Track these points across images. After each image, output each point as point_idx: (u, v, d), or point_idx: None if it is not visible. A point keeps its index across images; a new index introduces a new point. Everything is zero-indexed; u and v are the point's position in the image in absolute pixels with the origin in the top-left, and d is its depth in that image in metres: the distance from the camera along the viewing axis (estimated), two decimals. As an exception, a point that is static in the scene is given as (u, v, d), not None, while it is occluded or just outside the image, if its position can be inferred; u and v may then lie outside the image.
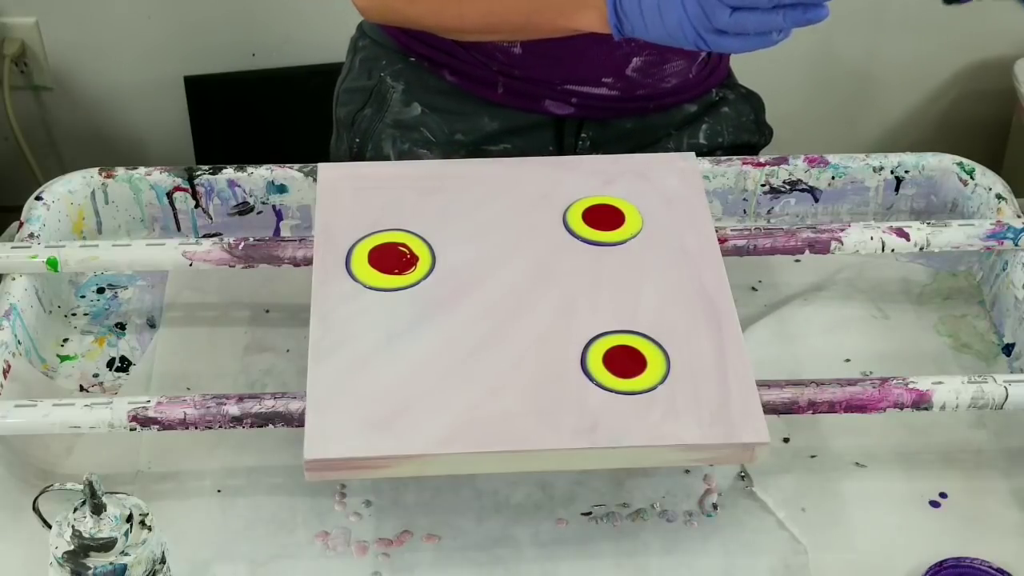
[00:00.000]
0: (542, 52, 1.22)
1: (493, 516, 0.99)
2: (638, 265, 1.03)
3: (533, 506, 1.00)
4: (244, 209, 1.18)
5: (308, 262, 1.07)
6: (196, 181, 1.17)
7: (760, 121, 1.37)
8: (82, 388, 1.08)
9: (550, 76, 1.25)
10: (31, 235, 1.11)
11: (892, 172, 1.20)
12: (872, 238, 1.10)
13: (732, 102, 1.34)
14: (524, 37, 1.19)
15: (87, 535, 0.81)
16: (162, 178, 1.17)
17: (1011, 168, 2.10)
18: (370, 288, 1.00)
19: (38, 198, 1.15)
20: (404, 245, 1.04)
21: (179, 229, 1.19)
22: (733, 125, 1.33)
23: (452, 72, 1.27)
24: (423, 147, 1.28)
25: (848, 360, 1.11)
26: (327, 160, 1.34)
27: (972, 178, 1.19)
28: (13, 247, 1.08)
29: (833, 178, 1.20)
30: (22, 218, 1.13)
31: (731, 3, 0.95)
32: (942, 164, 1.20)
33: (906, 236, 1.10)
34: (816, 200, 1.21)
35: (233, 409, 0.96)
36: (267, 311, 1.14)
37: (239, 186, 1.17)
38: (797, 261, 1.19)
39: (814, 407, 0.98)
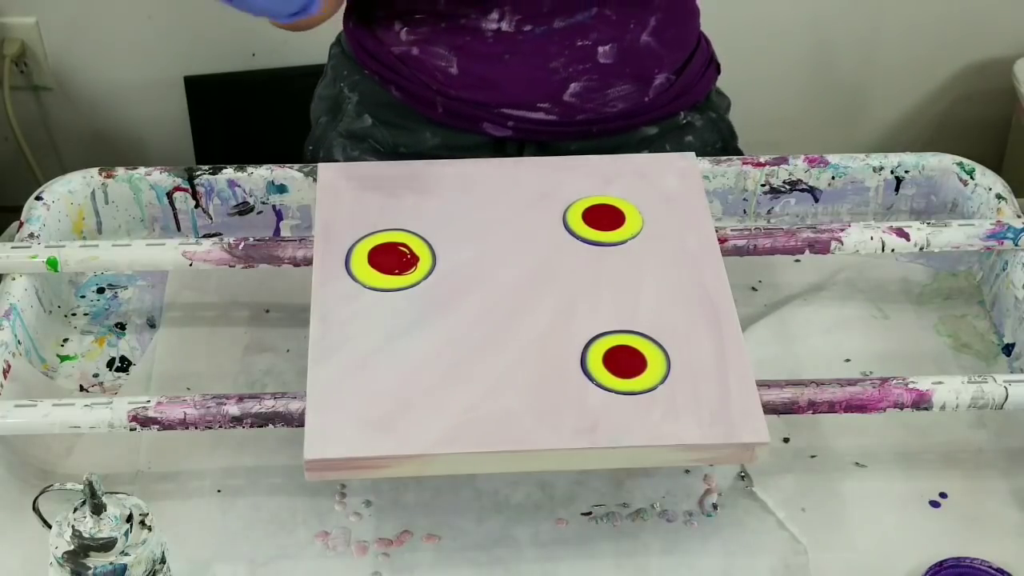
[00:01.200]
0: (476, 74, 1.23)
1: (493, 516, 0.99)
2: (638, 265, 1.03)
3: (533, 506, 1.00)
4: (244, 209, 1.18)
5: (308, 262, 1.07)
6: (196, 181, 1.17)
7: (729, 149, 1.35)
8: (82, 388, 1.08)
9: (485, 99, 1.25)
10: (31, 235, 1.11)
11: (892, 172, 1.20)
12: (872, 238, 1.10)
13: (698, 129, 1.32)
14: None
15: (87, 535, 0.81)
16: (162, 178, 1.17)
17: (1011, 168, 2.10)
18: (370, 288, 1.00)
19: (38, 198, 1.15)
20: (404, 245, 1.04)
21: (179, 229, 1.19)
22: (696, 155, 1.31)
23: (398, 88, 1.28)
24: (371, 155, 1.29)
25: (848, 360, 1.11)
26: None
27: (972, 178, 1.19)
28: (13, 247, 1.08)
29: (833, 178, 1.20)
30: (22, 218, 1.13)
31: None
32: (942, 164, 1.20)
33: (906, 236, 1.10)
34: (816, 200, 1.21)
35: (233, 409, 0.96)
36: (267, 311, 1.14)
37: (239, 186, 1.17)
38: (797, 261, 1.19)
39: (814, 407, 0.98)
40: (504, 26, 1.20)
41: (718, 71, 1.35)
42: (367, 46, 1.29)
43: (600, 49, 1.22)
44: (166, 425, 0.96)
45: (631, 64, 1.24)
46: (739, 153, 1.36)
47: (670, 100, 1.29)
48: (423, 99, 1.27)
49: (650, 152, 1.29)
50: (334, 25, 1.26)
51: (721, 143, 1.34)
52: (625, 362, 0.95)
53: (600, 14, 1.20)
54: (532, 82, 1.23)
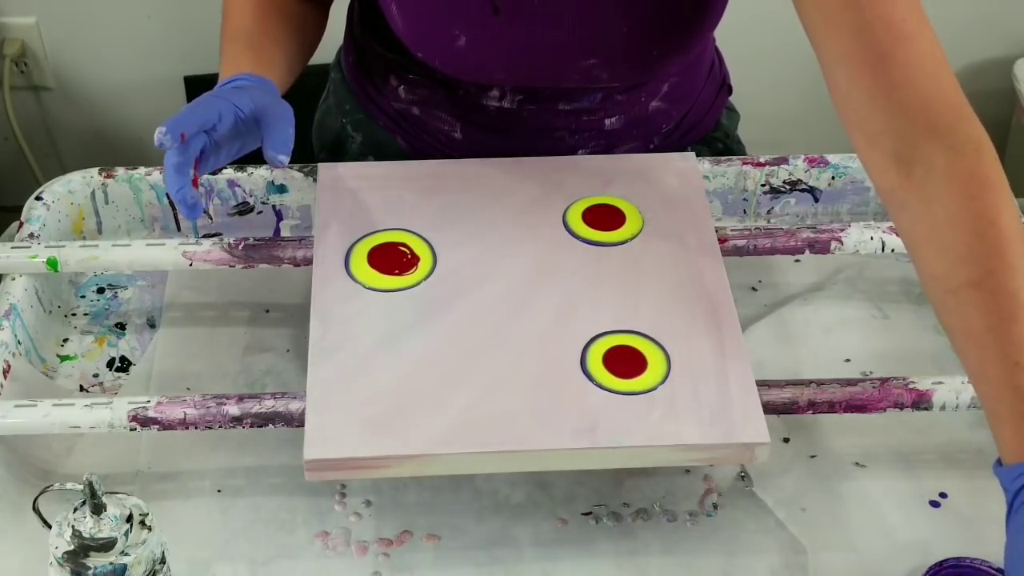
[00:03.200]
0: (482, 142, 1.19)
1: (493, 516, 0.99)
2: (638, 265, 1.03)
3: (533, 506, 1.00)
4: (244, 209, 1.18)
5: (308, 262, 1.07)
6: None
7: None
8: (82, 388, 1.08)
9: None
10: (31, 235, 1.11)
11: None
12: (872, 238, 1.10)
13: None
14: None
15: (87, 535, 0.81)
16: (162, 178, 1.17)
17: (1011, 168, 2.09)
18: (370, 289, 1.00)
19: (38, 198, 1.15)
20: (405, 245, 1.04)
21: (179, 229, 1.19)
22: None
23: (403, 139, 1.25)
24: None
25: (848, 360, 1.11)
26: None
27: (972, 178, 1.19)
28: (13, 247, 1.08)
29: (833, 178, 1.20)
30: (22, 218, 1.13)
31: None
32: (942, 164, 1.20)
33: (906, 236, 1.10)
34: (816, 200, 1.21)
35: (233, 409, 0.96)
36: (267, 311, 1.14)
37: (239, 186, 1.17)
38: (797, 261, 1.19)
39: (814, 407, 0.98)
40: (506, 104, 1.16)
41: (729, 92, 1.30)
42: (368, 91, 1.25)
43: (607, 121, 1.18)
44: (166, 425, 0.96)
45: (639, 127, 1.20)
46: None
47: (676, 141, 1.24)
48: (429, 155, 1.23)
49: None
50: (334, 25, 1.25)
51: None
52: (625, 362, 0.95)
53: (607, 96, 1.16)
54: (539, 150, 1.18)
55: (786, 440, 1.05)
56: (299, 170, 1.17)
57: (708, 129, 1.28)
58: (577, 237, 1.05)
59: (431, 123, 1.21)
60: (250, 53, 1.06)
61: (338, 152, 1.29)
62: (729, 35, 1.37)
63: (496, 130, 1.18)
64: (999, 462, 0.84)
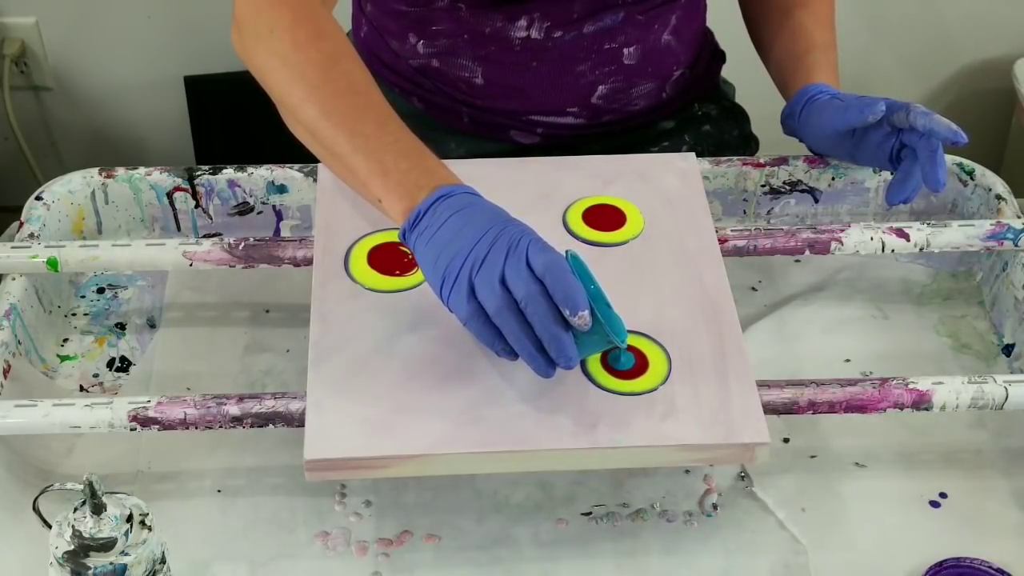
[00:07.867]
0: (505, 83, 1.22)
1: (493, 516, 0.99)
2: (638, 265, 1.03)
3: (533, 506, 1.00)
4: (244, 209, 1.18)
5: (308, 262, 1.07)
6: (196, 181, 1.17)
7: (745, 134, 1.36)
8: (82, 388, 1.08)
9: (513, 107, 1.24)
10: (31, 235, 1.11)
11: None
12: (872, 238, 1.10)
13: (715, 119, 1.33)
14: (342, 173, 1.02)
15: (87, 535, 0.81)
16: (162, 178, 1.17)
17: (1011, 168, 2.10)
18: (369, 289, 1.00)
19: (38, 198, 1.15)
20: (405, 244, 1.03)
21: (179, 229, 1.19)
22: (715, 143, 1.32)
23: (420, 100, 1.27)
24: None
25: (848, 360, 1.11)
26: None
27: (972, 178, 1.19)
28: (13, 247, 1.08)
29: (833, 178, 1.20)
30: (22, 218, 1.13)
31: (496, 302, 0.88)
32: (942, 164, 1.20)
33: (906, 236, 1.10)
34: (816, 200, 1.21)
35: (233, 409, 0.96)
36: (267, 311, 1.14)
37: (239, 186, 1.17)
38: (797, 261, 1.19)
39: (814, 407, 0.98)
40: (533, 33, 1.19)
41: (723, 59, 1.37)
42: (383, 58, 1.27)
43: (625, 51, 1.22)
44: (166, 425, 0.96)
45: (653, 63, 1.24)
46: (754, 137, 1.38)
47: (684, 92, 1.30)
48: (447, 110, 1.26)
49: (670, 144, 1.30)
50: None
51: (738, 130, 1.35)
52: (625, 362, 0.96)
53: (628, 16, 1.20)
54: (561, 87, 1.22)
55: (786, 440, 1.05)
56: (299, 170, 1.17)
57: (710, 89, 1.33)
58: (577, 237, 1.05)
59: (452, 73, 1.23)
60: (425, 154, 0.99)
61: None
62: (730, 35, 1.37)
63: (519, 68, 1.20)
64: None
